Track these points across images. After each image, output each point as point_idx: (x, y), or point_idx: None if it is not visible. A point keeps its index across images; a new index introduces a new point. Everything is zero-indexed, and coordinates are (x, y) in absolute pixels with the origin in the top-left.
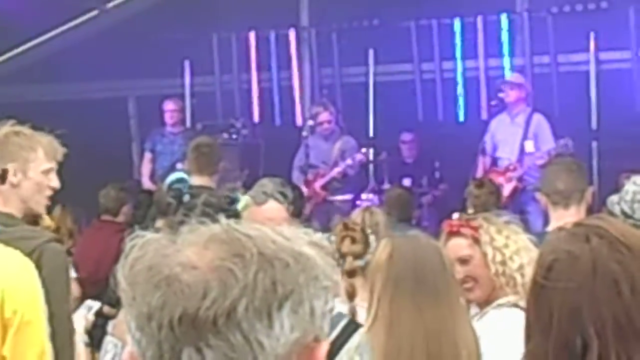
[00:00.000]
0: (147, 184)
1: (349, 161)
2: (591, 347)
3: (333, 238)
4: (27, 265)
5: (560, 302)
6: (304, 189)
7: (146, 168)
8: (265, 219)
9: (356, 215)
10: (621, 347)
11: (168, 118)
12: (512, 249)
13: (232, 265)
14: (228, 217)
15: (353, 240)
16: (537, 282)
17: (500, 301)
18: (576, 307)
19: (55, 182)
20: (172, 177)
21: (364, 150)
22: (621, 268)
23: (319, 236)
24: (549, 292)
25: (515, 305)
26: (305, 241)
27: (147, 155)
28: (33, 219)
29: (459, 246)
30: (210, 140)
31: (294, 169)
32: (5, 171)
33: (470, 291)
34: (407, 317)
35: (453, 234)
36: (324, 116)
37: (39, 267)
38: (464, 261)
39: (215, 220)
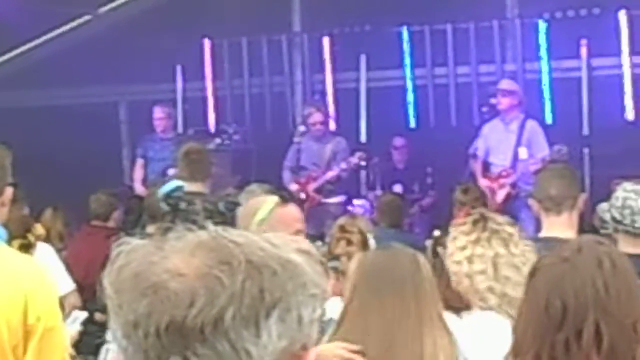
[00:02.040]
0: (139, 189)
1: (343, 165)
2: (569, 309)
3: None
4: (44, 272)
5: (546, 275)
6: (295, 189)
7: (138, 174)
8: (293, 219)
9: (339, 222)
10: (599, 313)
11: (157, 125)
12: (467, 254)
13: (220, 272)
14: (222, 223)
15: (349, 242)
16: (532, 270)
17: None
18: (559, 275)
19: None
20: (170, 185)
21: (359, 154)
22: (604, 250)
23: (307, 243)
24: (540, 272)
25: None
26: (293, 248)
27: (139, 161)
28: (25, 228)
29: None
30: (199, 146)
31: (284, 170)
32: None
33: None
34: (370, 316)
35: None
36: (317, 117)
37: None
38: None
39: (203, 227)
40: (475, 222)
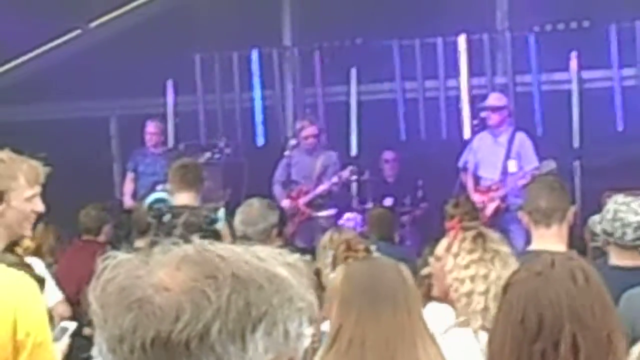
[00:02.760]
0: (128, 203)
1: (335, 179)
2: (545, 321)
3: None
4: (35, 287)
5: (520, 289)
6: (288, 205)
7: (128, 188)
8: None
9: (326, 235)
10: (575, 324)
11: (149, 140)
12: (470, 273)
13: (205, 287)
14: (207, 236)
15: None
16: (505, 285)
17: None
18: (534, 289)
19: (39, 207)
20: (152, 197)
21: (351, 168)
22: (577, 264)
23: (293, 257)
24: (514, 286)
25: (464, 326)
26: (279, 262)
27: (129, 175)
28: (13, 242)
29: (441, 245)
30: (192, 160)
31: (275, 184)
32: None
33: (432, 286)
34: (367, 328)
35: (447, 232)
36: (310, 130)
37: None
38: (437, 259)
39: (188, 241)
40: (474, 239)
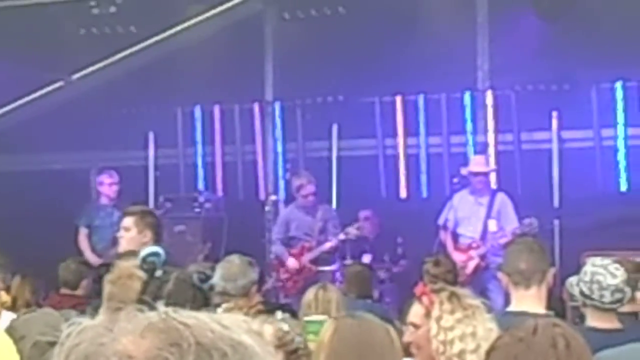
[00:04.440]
0: (92, 259)
1: (342, 236)
2: None
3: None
4: (8, 342)
5: (502, 355)
6: (292, 264)
7: (84, 243)
8: None
9: (310, 292)
10: None
11: (109, 191)
12: (457, 333)
13: (169, 355)
14: (200, 294)
15: None
16: (489, 349)
17: None
18: (515, 355)
19: None
20: (147, 250)
21: (357, 224)
22: (559, 331)
23: (257, 324)
24: (496, 352)
25: None
26: (244, 329)
27: (83, 231)
28: None
29: (415, 312)
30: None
31: (274, 242)
32: None
33: (414, 356)
34: None
35: (417, 298)
36: (309, 188)
37: None
38: (415, 326)
39: (153, 308)
40: (450, 299)
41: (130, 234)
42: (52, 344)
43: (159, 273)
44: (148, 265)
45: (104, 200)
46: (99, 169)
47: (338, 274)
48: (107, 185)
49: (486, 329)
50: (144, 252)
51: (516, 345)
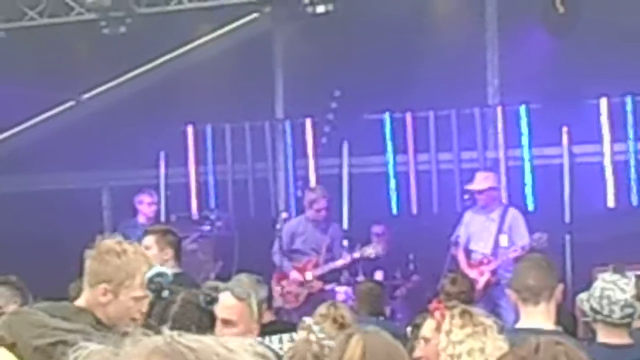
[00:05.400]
0: None
1: (357, 254)
2: None
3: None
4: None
5: None
6: (296, 275)
7: None
8: None
9: (322, 309)
10: None
11: (149, 211)
12: (466, 348)
13: None
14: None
15: None
16: None
17: None
18: None
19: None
20: (153, 270)
21: (373, 244)
22: (561, 349)
23: (262, 347)
24: None
25: None
26: (249, 353)
27: None
28: None
29: (427, 326)
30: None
31: (275, 254)
32: None
33: None
34: None
35: (430, 313)
36: (322, 203)
37: None
38: (426, 340)
39: (158, 332)
40: (462, 316)
41: (151, 252)
42: (54, 345)
43: (165, 294)
44: (155, 286)
45: (141, 219)
46: (139, 188)
47: (339, 295)
48: (146, 205)
49: (496, 347)
50: (150, 272)
51: None
